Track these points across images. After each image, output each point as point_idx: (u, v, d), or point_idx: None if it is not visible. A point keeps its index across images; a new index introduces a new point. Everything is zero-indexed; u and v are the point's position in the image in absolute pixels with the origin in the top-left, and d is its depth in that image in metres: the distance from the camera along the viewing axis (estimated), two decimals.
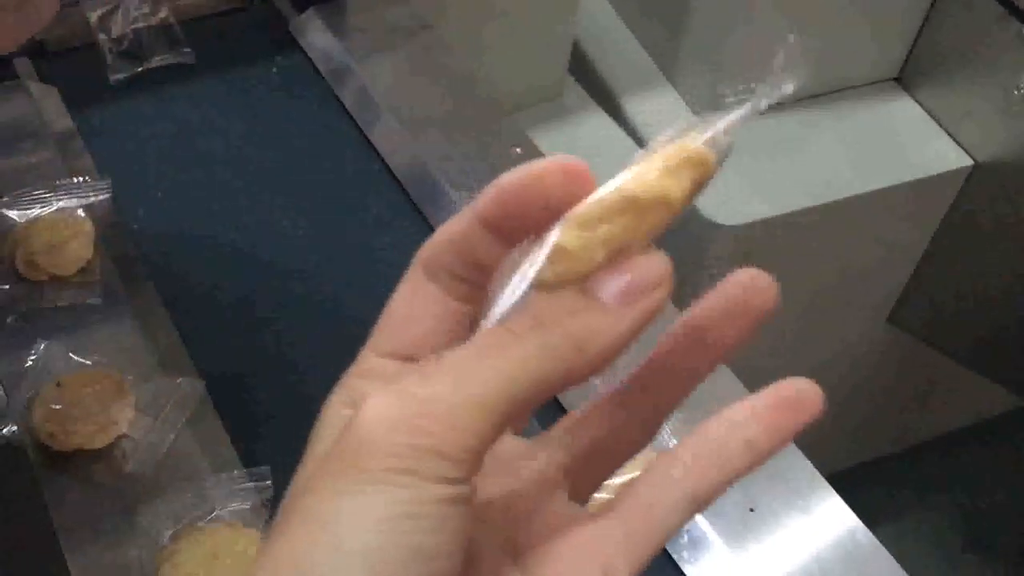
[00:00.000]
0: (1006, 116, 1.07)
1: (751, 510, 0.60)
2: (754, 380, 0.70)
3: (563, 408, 0.65)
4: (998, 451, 1.71)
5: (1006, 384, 1.30)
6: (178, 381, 0.60)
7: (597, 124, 1.11)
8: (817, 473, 0.62)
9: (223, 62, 0.88)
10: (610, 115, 1.13)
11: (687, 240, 1.07)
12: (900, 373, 1.41)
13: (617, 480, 0.59)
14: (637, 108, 1.14)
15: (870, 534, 0.60)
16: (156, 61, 0.86)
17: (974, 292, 1.22)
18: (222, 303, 0.71)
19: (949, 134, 1.14)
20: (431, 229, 0.76)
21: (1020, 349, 1.22)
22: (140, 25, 0.86)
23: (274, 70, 0.88)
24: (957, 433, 1.66)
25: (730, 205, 1.03)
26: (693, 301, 0.29)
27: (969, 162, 1.12)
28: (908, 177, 1.09)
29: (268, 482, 0.57)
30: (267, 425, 0.63)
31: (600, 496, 0.30)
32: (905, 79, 1.19)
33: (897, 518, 1.60)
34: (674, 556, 0.59)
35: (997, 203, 1.13)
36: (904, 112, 1.17)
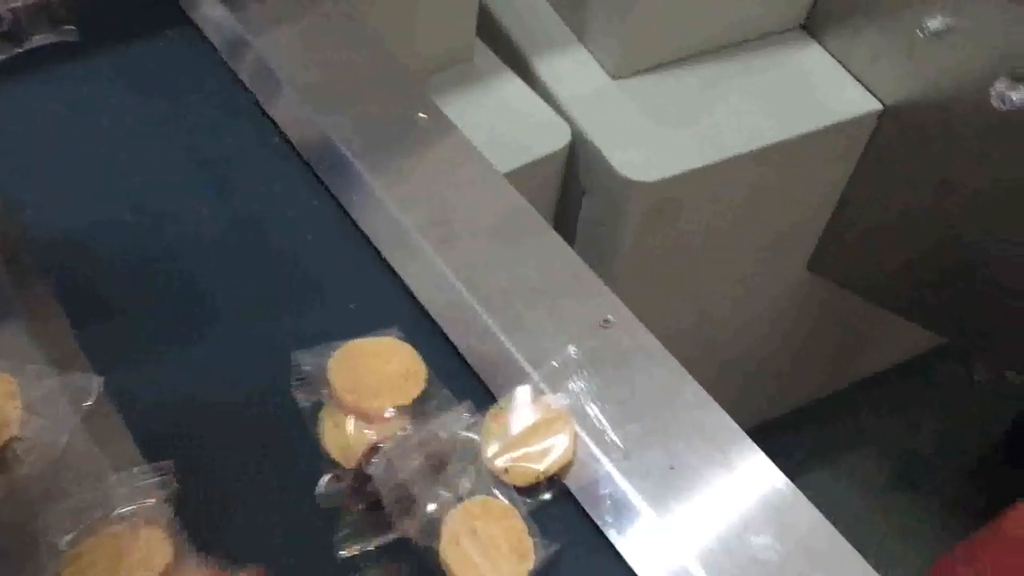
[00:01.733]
0: (912, 58, 1.08)
1: (671, 468, 0.60)
2: (680, 338, 0.69)
3: (492, 394, 0.64)
4: (921, 390, 1.75)
5: (926, 324, 1.33)
6: (72, 377, 0.57)
7: (508, 86, 1.09)
8: (737, 427, 0.62)
9: (110, 39, 0.84)
10: (521, 77, 1.11)
11: (605, 198, 1.07)
12: (822, 320, 1.43)
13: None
14: (548, 69, 1.13)
15: (792, 485, 0.60)
16: (37, 41, 0.82)
17: (891, 235, 1.24)
18: (117, 292, 0.67)
19: (858, 79, 1.15)
20: (336, 202, 0.74)
21: (938, 288, 1.24)
22: (18, 4, 0.82)
23: (164, 45, 0.85)
24: (881, 375, 1.70)
25: (646, 161, 1.02)
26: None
27: (878, 106, 1.13)
28: (819, 124, 1.10)
29: (172, 476, 0.55)
30: (169, 418, 0.61)
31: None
32: (811, 26, 1.19)
33: (825, 463, 1.63)
34: (597, 521, 0.58)
35: (908, 145, 1.14)
36: (812, 59, 1.17)
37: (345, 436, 0.60)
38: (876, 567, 0.57)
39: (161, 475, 0.55)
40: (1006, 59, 1.00)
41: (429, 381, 0.62)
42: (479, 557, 0.54)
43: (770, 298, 1.33)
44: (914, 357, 1.72)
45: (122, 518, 0.53)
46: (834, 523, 0.58)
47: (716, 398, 0.63)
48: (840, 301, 1.35)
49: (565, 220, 1.13)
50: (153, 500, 0.54)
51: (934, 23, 1.03)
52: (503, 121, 1.05)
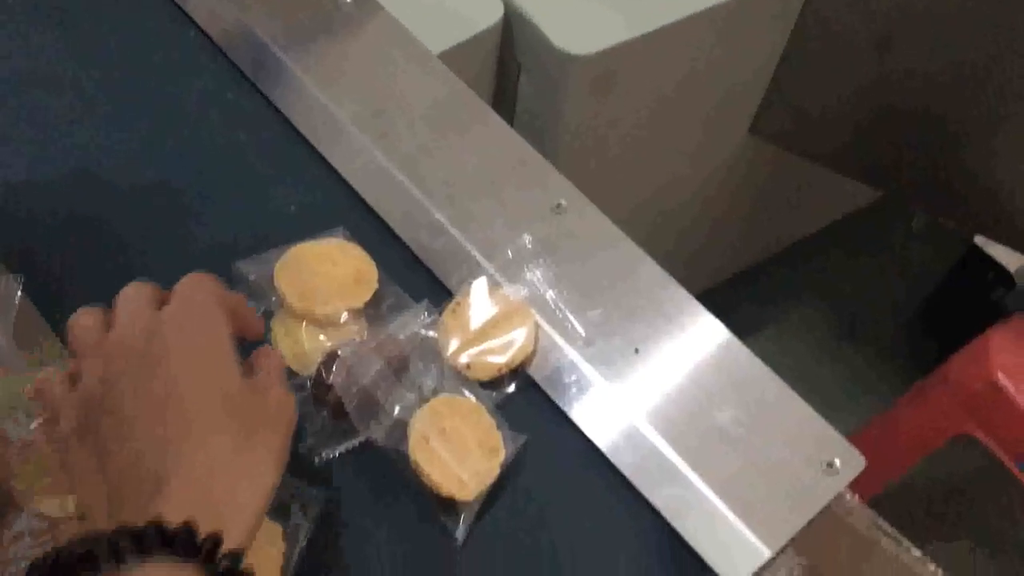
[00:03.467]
0: None
1: (636, 351, 0.59)
2: (630, 213, 0.68)
3: (448, 291, 0.62)
4: (863, 244, 1.78)
5: (865, 179, 1.33)
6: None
7: None
8: (699, 304, 0.61)
9: None
10: None
11: (543, 75, 1.03)
12: (766, 182, 1.43)
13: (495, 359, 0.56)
14: None
15: (758, 360, 0.60)
16: None
17: (830, 93, 1.22)
18: (42, 206, 0.64)
19: None
20: (266, 100, 0.70)
21: (877, 143, 1.24)
22: None
23: None
24: (823, 232, 1.72)
25: (582, 35, 0.99)
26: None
27: None
28: None
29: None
30: None
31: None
32: None
33: (772, 319, 1.66)
34: (564, 408, 0.58)
35: (844, 3, 1.11)
36: None
37: (299, 344, 0.58)
38: (825, 417, 0.58)
39: None
40: None
41: (380, 282, 0.60)
42: (449, 456, 0.54)
43: (714, 165, 1.32)
44: (854, 212, 1.74)
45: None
46: (783, 376, 0.59)
47: (667, 266, 0.62)
48: (783, 162, 1.35)
49: (503, 101, 1.09)
50: None
51: None
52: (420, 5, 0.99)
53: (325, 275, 0.59)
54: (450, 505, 0.54)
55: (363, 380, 0.54)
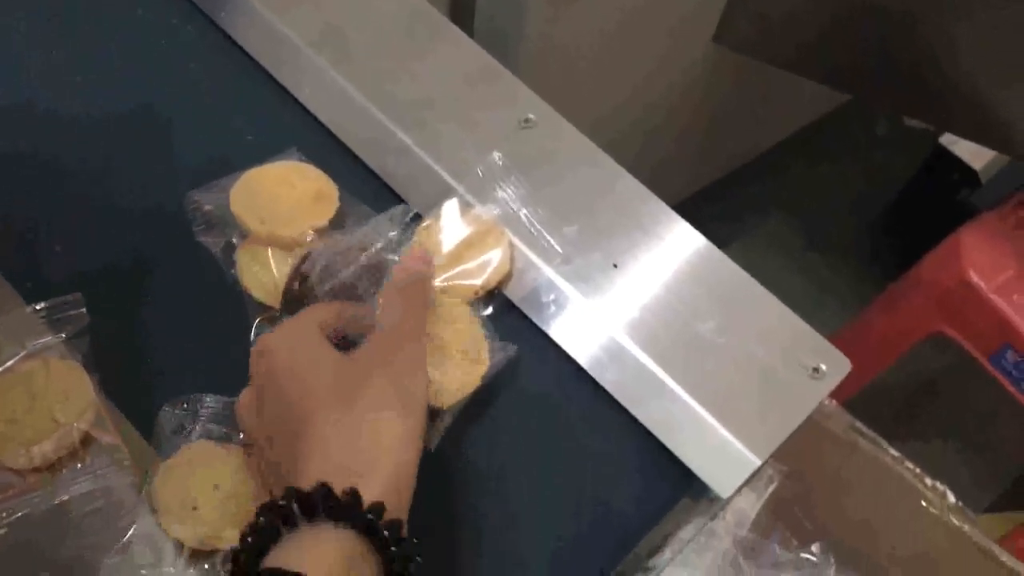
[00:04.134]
0: None
1: (614, 266, 0.58)
2: (596, 126, 0.66)
3: (417, 214, 0.59)
4: (826, 152, 1.77)
5: (827, 81, 1.31)
6: None
7: None
8: (675, 214, 0.60)
9: None
10: None
11: None
12: (730, 92, 1.40)
13: None
14: None
15: (738, 268, 0.59)
16: None
17: None
18: None
19: None
20: (215, 25, 0.66)
21: (839, 45, 1.22)
22: None
23: None
24: (789, 142, 1.70)
25: None
26: None
27: None
28: None
29: (83, 310, 0.52)
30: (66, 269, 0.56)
31: None
32: None
33: (741, 235, 1.65)
34: (542, 327, 0.57)
35: None
36: None
37: (267, 272, 0.55)
38: None
39: (71, 309, 0.52)
40: None
41: (342, 199, 0.58)
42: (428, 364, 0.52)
43: (678, 76, 1.29)
44: (817, 120, 1.73)
45: (32, 356, 0.51)
46: None
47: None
48: (746, 72, 1.33)
49: (460, 15, 1.06)
50: (63, 335, 0.51)
51: None
52: None
53: (284, 197, 0.57)
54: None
55: (341, 275, 0.52)
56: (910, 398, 1.41)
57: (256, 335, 0.55)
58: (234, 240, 0.57)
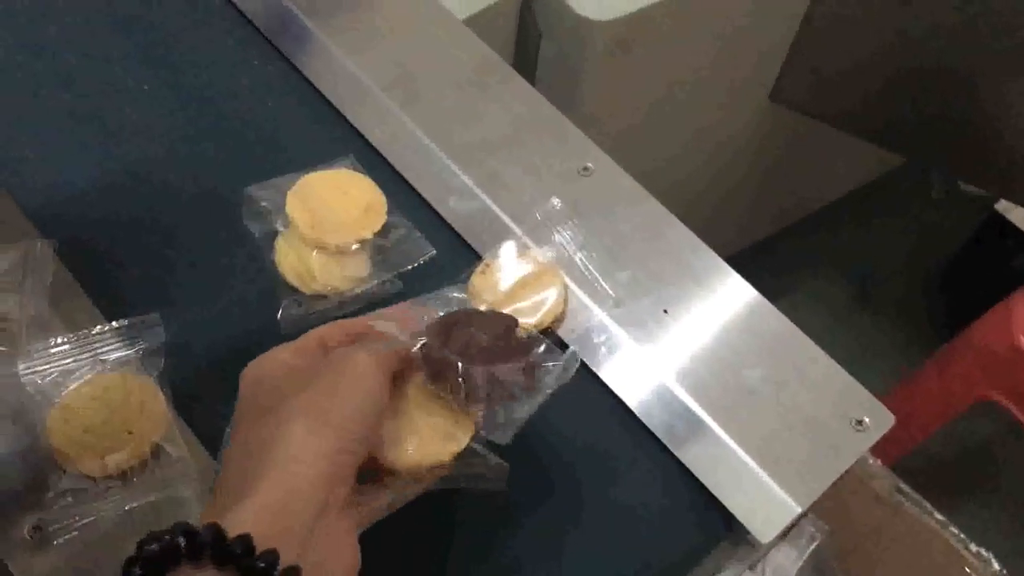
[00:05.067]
0: None
1: (664, 312, 0.60)
2: (649, 178, 0.68)
3: (476, 253, 0.62)
4: (880, 211, 1.77)
5: (885, 144, 1.33)
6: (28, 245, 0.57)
7: None
8: (726, 266, 0.62)
9: None
10: None
11: (563, 40, 1.03)
12: (786, 149, 1.42)
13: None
14: None
15: (786, 319, 0.60)
16: None
17: (851, 59, 1.22)
18: (71, 172, 0.64)
19: None
20: (289, 64, 0.70)
21: (897, 108, 1.23)
22: None
23: None
24: (841, 200, 1.71)
25: (602, 0, 0.99)
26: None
27: None
28: None
29: (160, 328, 0.55)
30: (129, 276, 0.60)
31: None
32: None
33: (791, 291, 1.65)
34: (593, 368, 0.58)
35: None
36: None
37: (305, 264, 0.58)
38: None
39: (149, 327, 0.55)
40: None
41: (389, 212, 0.60)
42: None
43: (734, 132, 1.31)
44: (872, 180, 1.73)
45: (108, 370, 0.53)
46: None
47: None
48: (802, 130, 1.34)
49: (524, 67, 1.09)
50: (139, 352, 0.54)
51: None
52: None
53: (336, 204, 0.60)
54: None
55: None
56: (958, 463, 1.40)
57: (283, 315, 0.58)
58: (278, 228, 0.59)
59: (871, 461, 1.02)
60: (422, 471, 0.46)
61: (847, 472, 0.56)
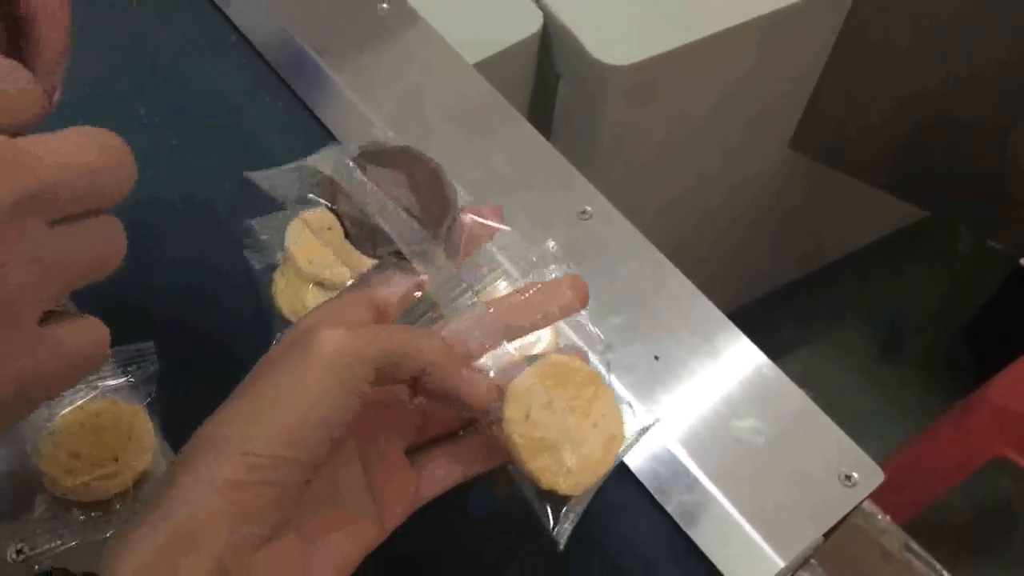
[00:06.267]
0: None
1: (656, 358, 0.60)
2: (664, 222, 0.68)
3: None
4: (905, 263, 1.76)
5: (908, 198, 1.32)
6: None
7: None
8: (722, 316, 0.62)
9: None
10: None
11: (580, 84, 1.04)
12: (805, 199, 1.42)
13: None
14: None
15: (778, 369, 0.60)
16: None
17: (873, 109, 1.21)
18: None
19: None
20: (302, 103, 0.71)
21: (920, 161, 1.23)
22: None
23: None
24: (864, 250, 1.70)
25: (620, 45, 0.99)
26: None
27: None
28: None
29: (154, 355, 0.56)
30: (124, 303, 0.60)
31: None
32: None
33: (811, 339, 1.64)
34: None
35: (888, 14, 1.11)
36: None
37: (301, 300, 0.59)
38: (864, 438, 0.58)
39: (141, 355, 0.55)
40: None
41: None
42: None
43: (752, 180, 1.31)
44: (897, 230, 1.72)
45: (101, 396, 0.54)
46: (822, 398, 0.59)
47: (701, 280, 0.63)
48: (823, 178, 1.34)
49: (541, 108, 1.10)
50: (131, 379, 0.55)
51: None
52: (471, 9, 1.01)
53: (334, 240, 0.60)
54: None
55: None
56: (972, 521, 1.37)
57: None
58: (277, 262, 0.60)
59: (880, 517, 1.00)
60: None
61: (856, 528, 0.55)
